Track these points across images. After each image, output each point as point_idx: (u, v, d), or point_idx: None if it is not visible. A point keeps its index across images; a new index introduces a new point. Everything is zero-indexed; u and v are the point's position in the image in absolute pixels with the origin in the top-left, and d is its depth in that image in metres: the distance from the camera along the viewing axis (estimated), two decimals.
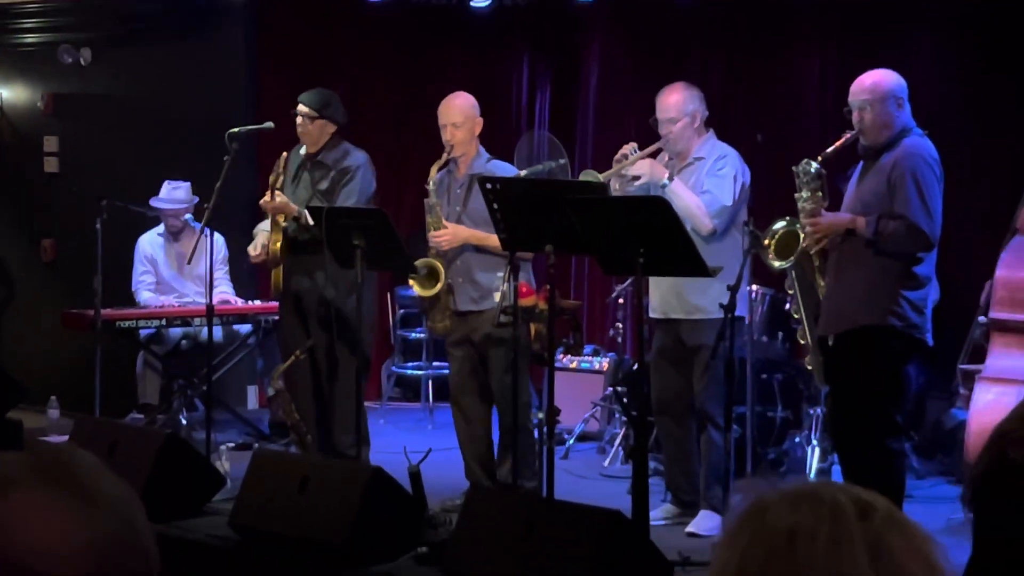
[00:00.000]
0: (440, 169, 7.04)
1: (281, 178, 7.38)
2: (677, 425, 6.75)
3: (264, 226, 7.63)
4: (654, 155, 6.65)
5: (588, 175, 6.59)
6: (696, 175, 6.60)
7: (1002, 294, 6.57)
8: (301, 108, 7.52)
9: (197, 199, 8.80)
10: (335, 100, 7.60)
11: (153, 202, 8.97)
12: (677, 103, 6.66)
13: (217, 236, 8.18)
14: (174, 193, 8.97)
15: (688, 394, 6.65)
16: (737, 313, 6.14)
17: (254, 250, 7.60)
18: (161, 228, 9.12)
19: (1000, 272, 6.63)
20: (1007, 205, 7.06)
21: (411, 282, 7.15)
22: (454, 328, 7.02)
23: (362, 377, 7.12)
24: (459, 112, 7.04)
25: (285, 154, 7.55)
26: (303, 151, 7.61)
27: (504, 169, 6.94)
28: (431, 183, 7.01)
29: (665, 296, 6.57)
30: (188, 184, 8.97)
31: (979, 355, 6.96)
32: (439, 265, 6.97)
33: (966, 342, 7.52)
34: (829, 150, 6.05)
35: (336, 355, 7.45)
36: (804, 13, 9.18)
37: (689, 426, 6.73)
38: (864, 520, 1.31)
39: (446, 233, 6.94)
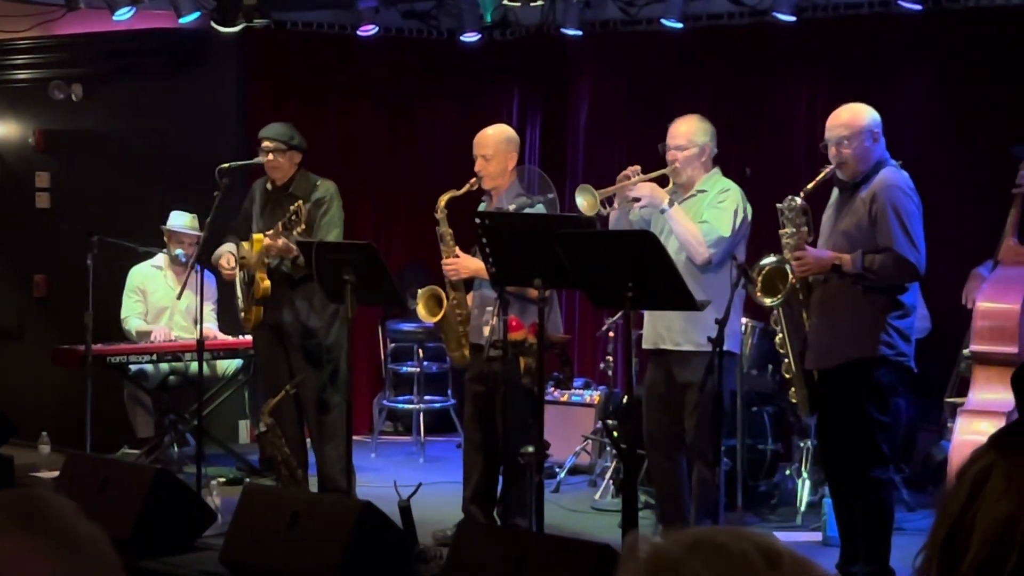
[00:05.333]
0: (454, 199, 7.03)
1: (302, 223, 7.29)
2: (667, 459, 6.74)
3: (228, 247, 7.62)
4: (657, 181, 6.65)
5: (585, 190, 6.60)
6: (697, 208, 6.61)
7: (982, 326, 6.56)
8: (268, 144, 7.54)
9: (202, 234, 8.79)
10: (295, 129, 7.65)
11: (171, 226, 8.94)
12: (688, 132, 6.67)
13: (208, 274, 8.16)
14: (183, 220, 8.98)
15: (678, 428, 6.64)
16: (728, 348, 6.16)
17: (227, 264, 7.56)
18: (156, 260, 9.11)
19: (980, 304, 6.63)
20: (992, 237, 7.09)
21: (419, 307, 7.16)
22: (472, 361, 7.01)
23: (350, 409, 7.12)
24: (492, 144, 7.02)
25: (255, 186, 7.57)
26: (268, 185, 7.63)
27: (533, 208, 6.87)
28: (439, 212, 7.00)
29: (656, 327, 6.58)
30: (195, 215, 8.97)
31: (965, 388, 6.97)
32: (441, 292, 6.99)
33: (952, 375, 7.54)
34: (810, 186, 6.08)
35: (326, 389, 7.47)
36: (792, 47, 9.23)
37: (679, 460, 6.72)
38: (774, 569, 1.30)
39: (454, 262, 6.96)
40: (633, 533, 1.38)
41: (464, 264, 6.94)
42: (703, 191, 6.66)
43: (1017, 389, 1.57)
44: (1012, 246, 6.84)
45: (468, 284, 7.08)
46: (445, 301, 6.98)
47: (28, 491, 1.40)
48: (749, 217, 6.60)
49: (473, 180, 6.96)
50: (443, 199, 7.00)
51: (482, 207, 7.06)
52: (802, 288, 6.13)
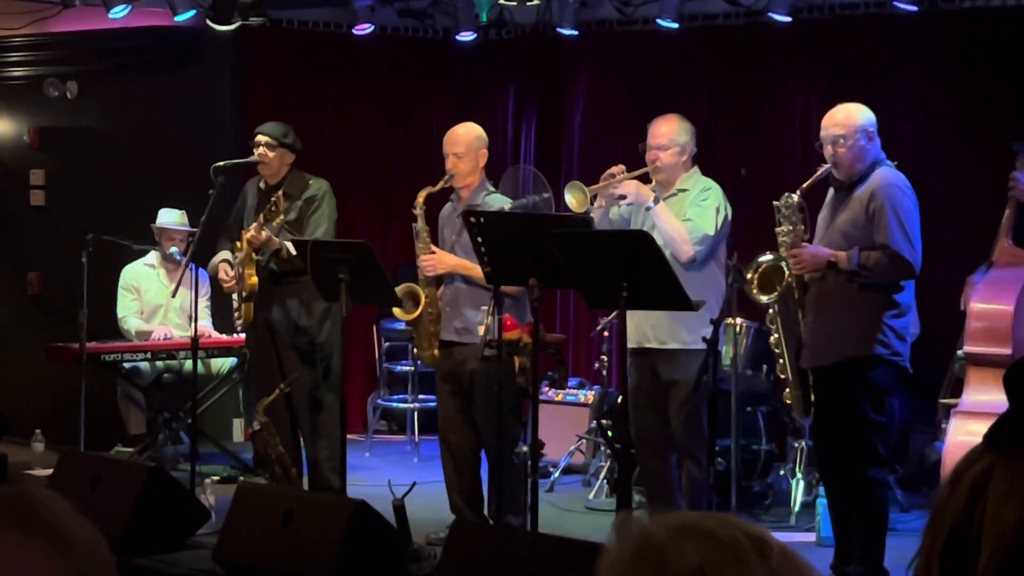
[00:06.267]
0: (432, 195, 7.06)
1: (280, 214, 7.33)
2: (658, 459, 6.74)
3: (223, 256, 7.62)
4: (643, 179, 6.68)
5: (575, 186, 6.60)
6: (679, 207, 6.63)
7: (976, 327, 6.55)
8: (261, 138, 7.55)
9: (195, 230, 8.81)
10: (292, 130, 7.62)
11: (160, 223, 8.94)
12: (669, 132, 6.69)
13: (201, 271, 8.16)
14: (172, 216, 8.98)
15: (666, 428, 6.65)
16: (704, 346, 6.16)
17: (226, 276, 7.56)
18: (149, 258, 9.11)
19: (974, 305, 6.62)
20: (986, 239, 7.09)
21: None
22: (441, 360, 7.02)
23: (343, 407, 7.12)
24: (463, 142, 7.05)
25: (249, 185, 7.54)
26: (261, 184, 7.63)
27: (501, 203, 6.93)
28: (417, 208, 7.02)
29: (639, 326, 6.56)
30: (183, 211, 8.99)
31: (959, 389, 6.96)
32: (420, 289, 6.99)
33: (946, 376, 7.53)
34: (805, 185, 6.09)
35: (319, 387, 7.46)
36: (788, 48, 9.24)
37: (669, 460, 6.72)
38: (764, 559, 1.30)
39: (432, 258, 6.96)
40: (622, 513, 1.38)
41: (442, 260, 6.95)
42: (684, 190, 6.68)
43: (1009, 389, 1.55)
44: (1007, 247, 6.84)
45: (437, 280, 7.09)
46: (423, 299, 6.98)
47: (21, 489, 1.39)
48: (730, 216, 6.63)
49: (447, 176, 6.99)
50: (421, 195, 7.03)
51: (448, 207, 7.10)
52: (798, 286, 6.13)
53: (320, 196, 7.50)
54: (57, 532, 1.32)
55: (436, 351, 7.04)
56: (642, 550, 1.31)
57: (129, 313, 9.04)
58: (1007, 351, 6.43)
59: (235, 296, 7.68)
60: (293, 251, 7.23)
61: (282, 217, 7.22)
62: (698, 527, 1.31)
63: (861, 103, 6.16)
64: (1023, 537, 1.43)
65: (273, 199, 7.20)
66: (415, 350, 7.31)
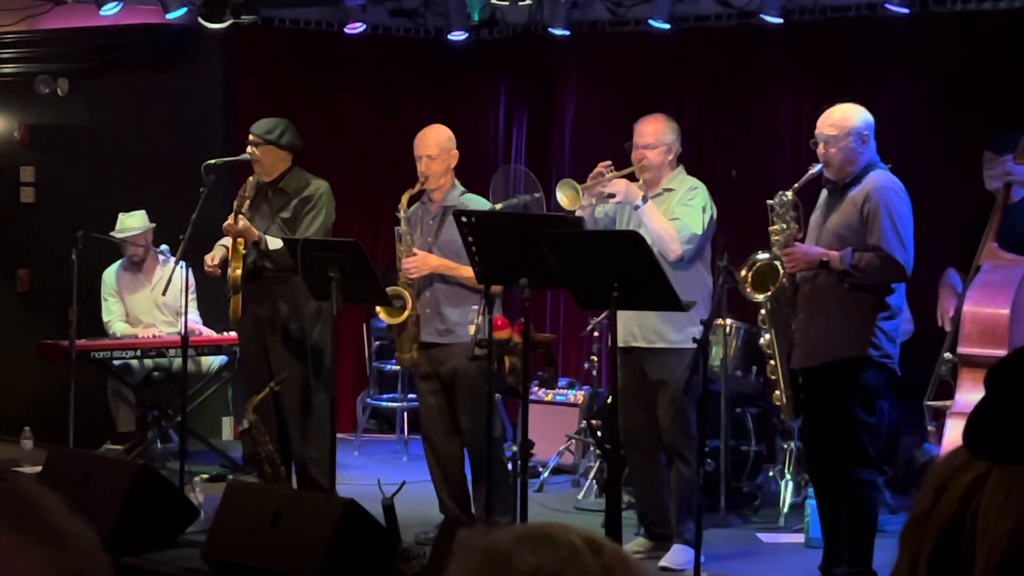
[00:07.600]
0: (412, 198, 7.07)
1: (247, 202, 7.37)
2: (647, 459, 6.75)
3: (225, 241, 7.62)
4: (629, 178, 6.69)
5: (566, 184, 6.61)
6: (665, 206, 6.64)
7: (969, 329, 6.56)
8: (250, 136, 7.55)
9: (154, 225, 8.85)
10: (287, 127, 7.53)
11: (118, 231, 8.97)
12: (655, 131, 6.71)
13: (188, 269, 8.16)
14: (128, 222, 8.99)
15: (655, 427, 6.65)
16: (691, 346, 6.17)
17: (211, 260, 7.54)
18: (124, 260, 9.12)
19: (967, 307, 6.63)
20: (974, 242, 7.11)
21: (378, 309, 7.16)
22: (420, 361, 7.03)
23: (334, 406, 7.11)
24: (434, 144, 7.06)
25: (251, 178, 7.55)
26: (260, 180, 7.62)
27: (478, 203, 6.96)
28: (402, 211, 7.02)
29: (626, 325, 6.55)
30: (142, 212, 8.99)
31: (944, 391, 6.96)
32: (407, 293, 6.98)
33: (932, 378, 7.54)
34: (797, 184, 6.10)
35: (310, 387, 7.45)
36: (779, 49, 9.24)
37: (659, 459, 6.73)
38: (597, 556, 1.40)
39: (415, 260, 6.95)
40: (463, 530, 1.49)
41: (426, 262, 6.94)
42: (670, 189, 6.69)
43: (1005, 391, 1.53)
44: (993, 250, 6.86)
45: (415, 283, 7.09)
46: (410, 302, 6.96)
47: (15, 486, 1.38)
48: (715, 215, 6.66)
49: (423, 179, 6.99)
50: (405, 198, 7.03)
51: (418, 209, 7.11)
52: (790, 286, 6.14)
53: (317, 196, 7.46)
54: (51, 529, 1.32)
55: (415, 354, 7.04)
56: (489, 559, 1.40)
57: (113, 317, 9.05)
58: (1003, 352, 6.43)
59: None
60: (272, 245, 7.24)
61: (248, 202, 7.24)
62: (538, 533, 1.42)
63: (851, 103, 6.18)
64: (1018, 546, 1.42)
65: (242, 192, 7.27)
66: (396, 353, 7.27)
